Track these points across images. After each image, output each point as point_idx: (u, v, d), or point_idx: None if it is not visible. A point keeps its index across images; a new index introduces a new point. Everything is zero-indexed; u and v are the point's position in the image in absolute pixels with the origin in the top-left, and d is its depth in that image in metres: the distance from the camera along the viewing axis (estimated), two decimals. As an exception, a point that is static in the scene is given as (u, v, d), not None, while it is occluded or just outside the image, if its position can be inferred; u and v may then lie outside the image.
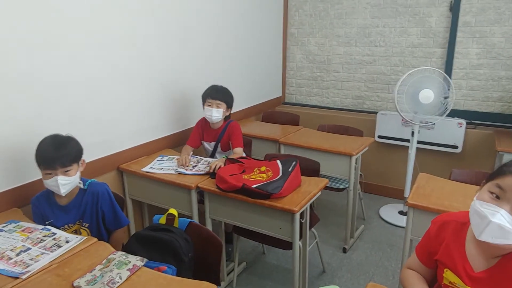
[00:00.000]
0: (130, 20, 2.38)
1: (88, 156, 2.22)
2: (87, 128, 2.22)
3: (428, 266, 1.31)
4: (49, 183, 1.69)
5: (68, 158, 1.69)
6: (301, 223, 2.02)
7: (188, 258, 1.58)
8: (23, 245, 1.55)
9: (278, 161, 2.18)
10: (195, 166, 2.40)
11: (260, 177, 2.10)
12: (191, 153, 2.56)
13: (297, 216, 1.91)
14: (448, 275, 1.23)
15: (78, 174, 1.76)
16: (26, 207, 1.91)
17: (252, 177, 2.11)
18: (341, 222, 3.20)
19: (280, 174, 2.07)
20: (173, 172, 2.32)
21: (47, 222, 1.77)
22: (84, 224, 1.83)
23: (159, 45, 2.61)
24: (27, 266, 1.42)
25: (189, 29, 2.84)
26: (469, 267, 1.17)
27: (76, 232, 1.83)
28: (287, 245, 2.10)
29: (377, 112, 3.66)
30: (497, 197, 1.07)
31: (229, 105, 2.62)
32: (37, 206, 1.81)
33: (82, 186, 1.82)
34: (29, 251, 1.51)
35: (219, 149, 2.67)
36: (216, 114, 2.53)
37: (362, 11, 3.68)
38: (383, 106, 3.78)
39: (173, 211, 1.70)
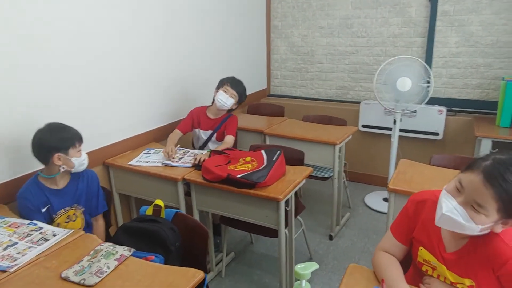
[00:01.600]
0: (116, 13, 2.38)
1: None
2: (71, 123, 2.21)
3: (404, 243, 1.34)
4: (81, 159, 1.86)
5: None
6: (286, 211, 2.06)
7: (175, 247, 1.61)
8: (10, 240, 1.56)
9: (262, 151, 2.21)
10: (181, 158, 2.43)
11: (245, 167, 2.14)
12: (177, 143, 2.57)
13: (282, 204, 1.95)
14: (423, 253, 1.28)
15: None
16: (12, 204, 1.91)
17: (237, 167, 2.15)
18: (327, 210, 3.26)
19: (265, 163, 2.10)
20: (159, 164, 2.34)
21: (43, 210, 1.81)
22: (81, 208, 1.92)
23: (143, 39, 2.62)
24: (15, 260, 1.43)
25: (172, 22, 2.84)
26: (442, 247, 1.23)
27: (69, 217, 1.90)
28: (274, 233, 2.14)
29: (361, 102, 3.71)
30: (458, 190, 1.11)
31: (240, 101, 2.68)
32: (29, 198, 1.80)
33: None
34: (16, 246, 1.52)
35: (213, 138, 2.70)
36: (227, 102, 2.59)
37: (344, 2, 3.72)
38: (367, 96, 3.84)
39: (159, 202, 1.73)
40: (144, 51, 2.64)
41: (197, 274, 1.34)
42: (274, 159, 2.11)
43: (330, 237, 2.95)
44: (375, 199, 3.50)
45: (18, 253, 1.48)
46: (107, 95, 2.43)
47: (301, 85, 4.18)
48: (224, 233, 2.55)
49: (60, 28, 2.09)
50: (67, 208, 1.89)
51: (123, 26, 2.46)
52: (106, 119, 2.44)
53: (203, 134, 2.73)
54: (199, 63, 3.16)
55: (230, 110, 2.71)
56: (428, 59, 3.42)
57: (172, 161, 2.35)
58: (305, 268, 1.13)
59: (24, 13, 1.91)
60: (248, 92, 4.03)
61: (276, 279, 2.53)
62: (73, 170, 1.86)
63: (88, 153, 2.30)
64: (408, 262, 1.41)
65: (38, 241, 1.56)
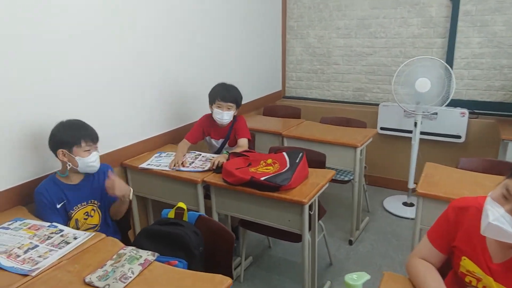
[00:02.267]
0: (130, 17, 2.35)
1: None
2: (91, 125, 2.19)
3: (443, 252, 1.28)
4: (88, 160, 1.80)
5: (97, 135, 1.86)
6: (309, 215, 2.00)
7: (198, 252, 1.56)
8: (30, 243, 1.52)
9: (284, 153, 2.15)
10: (192, 162, 2.36)
11: (267, 169, 2.08)
12: (186, 152, 2.47)
13: (307, 208, 1.89)
14: (466, 263, 1.21)
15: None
16: (31, 205, 1.87)
17: (259, 170, 2.09)
18: (346, 214, 3.19)
19: (288, 166, 2.05)
20: (169, 169, 2.27)
21: (59, 206, 1.79)
22: (97, 203, 1.90)
23: (159, 41, 2.58)
24: (36, 263, 1.39)
25: (187, 24, 2.80)
26: (488, 257, 1.15)
27: (88, 213, 1.87)
28: (296, 238, 2.08)
29: (379, 104, 3.64)
30: (505, 197, 1.05)
31: (239, 106, 2.55)
32: (44, 194, 1.78)
33: None
34: (36, 248, 1.48)
35: (226, 145, 2.64)
36: (226, 117, 2.46)
37: (361, 2, 3.65)
38: (385, 98, 3.76)
39: (181, 204, 1.68)
40: (161, 56, 2.61)
41: (225, 281, 1.28)
42: (297, 161, 2.05)
43: (350, 242, 2.88)
44: (394, 203, 3.42)
45: (39, 256, 1.44)
46: (125, 96, 2.39)
47: (317, 87, 4.11)
48: (243, 237, 2.49)
49: (81, 32, 2.07)
50: (83, 203, 1.87)
51: (142, 30, 2.43)
52: (123, 121, 2.41)
53: (216, 143, 2.66)
54: (214, 64, 3.12)
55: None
56: (449, 60, 3.33)
57: (183, 166, 2.28)
58: (357, 279, 1.06)
59: (47, 18, 1.89)
60: (263, 94, 4.04)
61: (296, 284, 2.46)
62: (79, 170, 1.81)
63: (105, 155, 2.30)
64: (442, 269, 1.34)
65: (59, 244, 1.51)
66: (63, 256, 1.44)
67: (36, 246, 1.50)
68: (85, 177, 1.89)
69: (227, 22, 3.24)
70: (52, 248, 1.49)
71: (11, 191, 1.85)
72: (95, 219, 1.90)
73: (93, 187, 1.89)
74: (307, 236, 1.98)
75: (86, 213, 1.87)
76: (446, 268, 1.34)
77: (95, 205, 1.91)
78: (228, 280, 1.28)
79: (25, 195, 1.90)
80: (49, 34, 1.92)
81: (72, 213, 1.83)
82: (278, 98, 4.25)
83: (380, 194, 3.63)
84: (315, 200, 2.00)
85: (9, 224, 1.67)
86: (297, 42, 4.10)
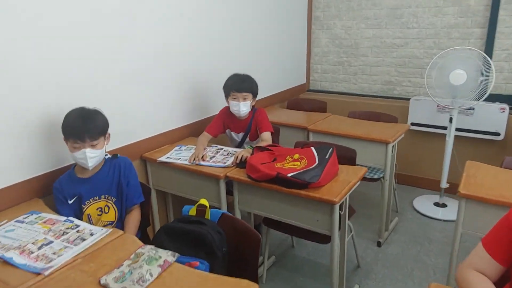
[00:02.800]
0: (155, 9, 2.25)
1: (111, 144, 2.11)
2: (110, 116, 2.09)
3: (502, 263, 1.12)
4: (76, 156, 1.68)
5: (96, 130, 1.68)
6: (339, 215, 1.86)
7: (221, 253, 1.44)
8: (45, 238, 1.44)
9: (312, 148, 2.01)
10: (213, 156, 2.24)
11: (294, 165, 1.95)
12: (206, 146, 2.36)
13: (337, 207, 1.75)
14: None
15: (104, 148, 1.75)
16: (48, 197, 1.80)
17: (285, 165, 1.96)
18: (373, 214, 3.03)
19: (317, 161, 1.91)
20: (189, 163, 2.16)
21: (70, 201, 1.72)
22: (112, 198, 1.80)
23: (180, 33, 2.47)
24: (50, 261, 1.31)
25: (210, 16, 2.68)
26: None
27: (102, 209, 1.78)
28: (324, 239, 1.95)
29: (409, 98, 3.44)
30: None
31: (255, 94, 2.43)
32: (60, 189, 1.74)
33: (109, 156, 1.84)
34: (51, 245, 1.40)
35: (247, 139, 2.52)
36: (243, 108, 2.35)
37: (393, -10, 3.45)
38: (415, 92, 3.56)
39: (204, 201, 1.57)
40: (183, 48, 2.51)
41: (252, 287, 1.16)
42: (327, 157, 1.91)
43: (378, 244, 2.72)
44: (424, 204, 3.23)
45: (54, 253, 1.35)
46: (146, 88, 2.30)
47: (343, 80, 3.94)
48: (266, 236, 2.37)
49: (103, 23, 1.99)
50: (96, 198, 1.78)
51: (164, 21, 2.33)
52: (144, 113, 2.31)
53: (236, 137, 2.54)
54: (236, 56, 2.99)
55: (254, 109, 2.47)
56: (488, 52, 3.11)
57: (203, 161, 2.17)
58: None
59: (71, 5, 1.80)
60: (286, 87, 3.89)
61: (320, 286, 2.33)
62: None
63: (125, 147, 2.21)
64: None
65: (74, 240, 1.43)
66: (78, 254, 1.35)
67: (51, 242, 1.42)
68: (98, 171, 1.79)
69: (251, 13, 3.10)
70: (67, 244, 1.40)
71: (27, 183, 1.78)
72: (111, 215, 1.81)
73: (107, 181, 1.79)
74: (337, 238, 1.84)
75: (99, 209, 1.78)
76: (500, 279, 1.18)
77: (110, 200, 1.81)
78: (255, 286, 1.16)
79: (42, 187, 1.82)
80: (71, 22, 1.83)
81: (84, 208, 1.75)
82: (302, 91, 4.09)
83: (409, 194, 3.45)
84: (346, 199, 1.86)
85: (25, 218, 1.60)
86: (323, 33, 3.93)
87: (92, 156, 1.68)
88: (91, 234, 1.46)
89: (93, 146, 1.68)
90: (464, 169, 1.98)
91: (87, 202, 1.76)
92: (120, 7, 2.06)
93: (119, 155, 1.88)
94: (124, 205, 1.82)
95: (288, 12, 3.60)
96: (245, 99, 2.35)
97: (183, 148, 2.41)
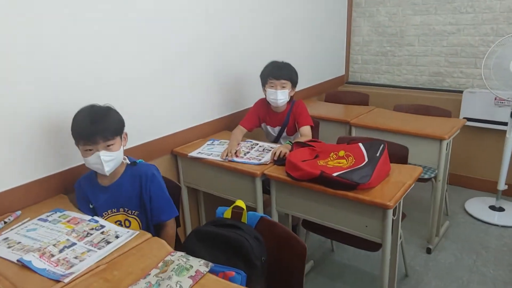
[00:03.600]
0: (185, 4, 2.10)
1: (140, 138, 2.01)
2: (140, 109, 1.97)
3: None
4: (90, 161, 1.46)
5: (110, 130, 1.46)
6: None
7: (260, 262, 1.26)
8: (68, 239, 1.31)
9: (360, 145, 1.80)
10: (248, 152, 2.07)
11: (339, 163, 1.74)
12: (241, 141, 2.20)
13: (390, 212, 1.53)
14: None
15: (121, 149, 1.52)
16: (73, 194, 1.69)
17: (329, 163, 1.76)
18: (422, 217, 2.77)
19: (366, 160, 1.69)
20: (221, 159, 2.00)
21: (91, 206, 1.56)
22: (133, 212, 1.57)
23: (216, 23, 2.31)
24: (71, 266, 1.17)
25: (243, 4, 2.50)
26: None
27: (121, 223, 1.58)
28: (372, 246, 1.73)
29: (462, 91, 3.13)
30: None
31: (295, 83, 2.24)
32: (79, 190, 1.60)
33: (127, 162, 1.60)
34: (73, 247, 1.27)
35: (284, 134, 2.33)
36: (281, 96, 2.17)
37: (445, -29, 3.14)
38: (468, 84, 3.24)
39: (240, 203, 1.39)
40: (218, 38, 2.35)
41: (298, 308, 0.98)
42: (377, 155, 1.68)
43: (428, 250, 2.46)
44: (478, 207, 2.93)
45: (76, 257, 1.22)
46: (177, 80, 2.15)
47: (386, 71, 3.66)
48: (304, 239, 2.17)
49: (134, 14, 1.86)
50: (113, 210, 1.58)
51: (196, 10, 2.18)
52: (175, 105, 2.17)
53: (272, 131, 2.35)
54: (271, 46, 2.79)
55: (291, 97, 2.27)
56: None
57: (236, 157, 2.00)
58: None
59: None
60: (323, 79, 3.66)
61: (364, 298, 2.12)
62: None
63: (155, 141, 2.08)
64: None
65: (98, 243, 1.29)
66: (102, 259, 1.21)
67: (74, 244, 1.29)
68: (118, 179, 1.57)
69: (288, 2, 2.89)
70: (90, 248, 1.27)
71: (52, 178, 1.67)
72: (134, 227, 1.59)
73: (126, 192, 1.56)
74: (388, 246, 1.62)
75: (118, 222, 1.55)
76: None
77: (131, 215, 1.59)
78: (302, 308, 0.98)
79: (68, 183, 1.71)
80: (98, 15, 1.70)
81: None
82: (340, 83, 3.85)
83: (460, 195, 3.15)
84: (400, 203, 1.64)
85: (48, 216, 1.49)
86: (365, 21, 3.66)
87: (108, 160, 1.45)
88: (117, 237, 1.32)
89: (107, 148, 1.45)
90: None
91: (105, 214, 1.57)
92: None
93: (140, 161, 1.64)
94: (150, 219, 1.60)
95: (327, -1, 3.37)
96: (283, 87, 2.16)
97: (216, 142, 2.25)
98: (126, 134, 1.58)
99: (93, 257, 1.22)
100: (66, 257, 1.22)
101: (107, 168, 1.47)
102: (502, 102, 2.87)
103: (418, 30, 3.38)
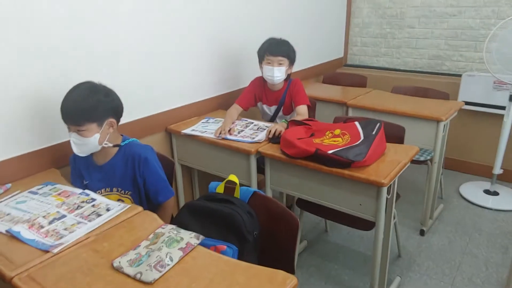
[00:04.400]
0: None
1: (134, 114, 1.97)
2: (134, 83, 1.93)
3: None
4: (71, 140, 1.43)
5: (81, 116, 1.37)
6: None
7: (253, 237, 1.25)
8: (58, 212, 1.29)
9: (356, 123, 1.78)
10: (242, 131, 2.04)
11: (334, 141, 1.72)
12: (236, 119, 2.18)
13: (385, 190, 1.52)
14: None
15: (97, 136, 1.42)
16: (65, 168, 1.67)
17: (324, 141, 1.74)
18: (416, 200, 2.77)
19: (362, 138, 1.67)
20: (214, 137, 1.98)
21: (85, 182, 1.52)
22: (126, 192, 1.54)
23: (214, 0, 2.26)
24: (60, 238, 1.16)
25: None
26: None
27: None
28: (365, 225, 1.73)
29: (460, 75, 3.10)
30: None
31: (292, 61, 2.20)
32: (74, 165, 1.57)
33: (110, 145, 1.50)
34: (63, 219, 1.25)
35: (280, 113, 2.30)
36: (278, 73, 2.13)
37: (448, -49, 3.07)
38: (467, 67, 3.21)
39: (233, 177, 1.38)
40: (214, 14, 2.29)
41: (289, 280, 0.97)
42: (373, 133, 1.67)
43: (422, 232, 2.47)
44: (473, 190, 2.93)
45: (65, 229, 1.21)
46: (172, 55, 2.10)
47: (385, 54, 3.61)
48: (299, 219, 2.16)
49: None
50: (107, 189, 1.54)
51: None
52: (170, 81, 2.13)
53: (268, 110, 2.32)
54: (269, 25, 2.73)
55: (288, 75, 2.24)
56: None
57: (230, 135, 1.99)
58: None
59: None
60: (322, 61, 3.61)
61: (357, 277, 2.13)
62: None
63: (149, 117, 2.05)
64: None
65: (89, 215, 1.27)
66: (92, 231, 1.19)
67: (64, 216, 1.27)
68: (111, 160, 1.53)
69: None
70: (80, 220, 1.25)
71: (44, 152, 1.65)
72: None
73: (119, 172, 1.52)
74: (382, 225, 1.61)
75: None
76: None
77: (124, 194, 1.55)
78: (293, 280, 0.97)
79: (60, 157, 1.69)
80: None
81: None
82: (339, 66, 3.80)
83: (455, 179, 3.15)
84: (394, 181, 1.62)
85: (39, 189, 1.47)
86: (365, 2, 3.59)
87: (78, 143, 1.41)
88: (108, 210, 1.31)
89: (78, 132, 1.39)
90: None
91: (98, 193, 1.51)
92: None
93: (133, 140, 1.57)
94: (144, 200, 1.57)
95: (327, -22, 3.29)
96: (280, 64, 2.12)
97: (211, 120, 2.22)
98: (113, 122, 1.46)
99: (83, 229, 1.20)
100: (56, 229, 1.21)
101: (77, 151, 1.43)
102: (501, 86, 2.85)
103: (418, 11, 3.33)
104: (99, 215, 1.28)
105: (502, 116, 2.70)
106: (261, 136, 1.94)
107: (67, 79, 1.58)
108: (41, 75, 1.57)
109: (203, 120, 2.23)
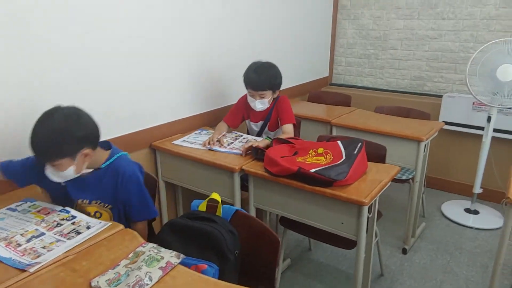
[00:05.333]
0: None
1: (118, 130, 1.97)
2: (118, 99, 1.94)
3: None
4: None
5: (51, 154, 1.29)
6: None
7: (234, 256, 1.25)
8: (36, 229, 1.28)
9: (339, 142, 1.81)
10: (231, 143, 2.09)
11: (317, 160, 1.75)
12: (225, 133, 2.21)
13: (366, 209, 1.54)
14: None
15: (72, 168, 1.33)
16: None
17: (307, 160, 1.76)
18: (398, 218, 2.81)
19: (344, 157, 1.70)
20: (203, 148, 2.03)
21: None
22: (106, 205, 1.51)
23: (201, 19, 2.29)
24: (38, 256, 1.14)
25: (232, 2, 2.49)
26: None
27: (92, 215, 1.47)
28: (347, 244, 1.75)
29: (441, 95, 3.19)
30: None
31: (277, 88, 2.21)
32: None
33: (89, 171, 1.45)
34: (42, 237, 1.24)
35: (266, 129, 2.33)
36: (259, 105, 2.17)
37: (428, -23, 3.20)
38: (448, 88, 3.30)
39: (215, 196, 1.38)
40: (202, 34, 2.33)
41: (268, 300, 0.97)
42: (355, 152, 1.70)
43: (404, 251, 2.49)
44: (454, 209, 2.98)
45: (43, 247, 1.19)
46: (159, 73, 2.12)
47: (369, 74, 3.69)
48: (282, 236, 2.17)
49: (113, 8, 1.82)
50: (85, 202, 1.47)
51: (179, 6, 2.15)
52: (155, 97, 2.13)
53: (255, 126, 2.35)
54: (256, 44, 2.78)
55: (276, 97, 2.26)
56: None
57: (219, 146, 2.03)
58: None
59: None
60: (307, 80, 3.67)
61: (340, 296, 2.13)
62: None
63: (133, 134, 2.05)
64: None
65: (68, 233, 1.26)
66: (71, 249, 1.18)
67: (42, 234, 1.25)
68: (94, 172, 1.47)
69: (275, 1, 2.89)
70: (59, 238, 1.24)
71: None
72: (104, 219, 1.48)
73: (104, 185, 1.46)
74: (363, 244, 1.63)
75: (88, 214, 1.46)
76: None
77: (103, 208, 1.49)
78: (272, 300, 0.97)
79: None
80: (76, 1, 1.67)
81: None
82: (324, 85, 3.87)
83: (436, 198, 3.20)
84: (375, 200, 1.65)
85: (18, 205, 1.44)
86: (350, 23, 3.69)
87: (53, 175, 1.35)
88: (88, 227, 1.30)
89: (53, 166, 1.32)
90: (511, 173, 1.74)
91: (77, 201, 1.47)
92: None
93: (121, 155, 1.51)
94: (122, 216, 1.52)
95: (313, 0, 3.37)
96: (262, 97, 2.15)
97: (204, 132, 2.26)
98: (86, 154, 1.35)
99: (62, 247, 1.19)
100: (34, 247, 1.19)
101: (55, 180, 1.37)
102: (480, 107, 2.94)
103: (401, 34, 3.43)
104: (78, 233, 1.26)
105: (481, 136, 2.77)
106: (238, 146, 2.03)
107: (48, 94, 1.59)
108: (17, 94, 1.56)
109: (196, 132, 2.28)
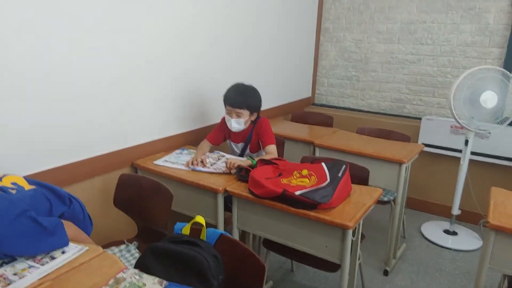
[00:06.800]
0: (153, 14, 2.07)
1: (99, 149, 1.92)
2: (99, 118, 1.89)
3: None
4: None
5: None
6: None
7: (218, 282, 1.22)
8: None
9: (323, 164, 1.81)
10: (214, 163, 2.07)
11: (302, 182, 1.74)
12: (207, 152, 2.21)
13: (350, 233, 1.54)
14: None
15: None
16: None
17: (292, 181, 1.75)
18: (379, 239, 2.82)
19: (328, 180, 1.70)
20: (185, 168, 2.01)
21: None
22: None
23: (184, 39, 2.29)
24: (8, 284, 1.08)
25: (215, 23, 2.50)
26: None
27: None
28: (331, 266, 1.73)
29: (420, 118, 3.27)
30: None
31: (255, 109, 2.20)
32: None
33: None
34: (13, 263, 1.17)
35: (247, 151, 2.31)
36: (235, 124, 2.14)
37: (407, 4, 3.31)
38: (427, 111, 3.39)
39: (200, 219, 1.35)
40: (185, 54, 2.33)
41: (254, 331, 0.94)
42: (339, 175, 1.70)
43: (385, 272, 2.49)
44: (433, 230, 3.02)
45: (15, 274, 1.12)
46: (141, 92, 2.09)
47: (351, 95, 3.76)
48: (265, 258, 2.13)
49: (103, 21, 1.82)
50: None
51: (162, 27, 2.14)
52: (137, 116, 2.10)
53: (236, 148, 2.34)
54: (239, 64, 2.80)
55: (256, 117, 2.25)
56: (506, 73, 2.94)
57: (203, 166, 2.01)
58: None
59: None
60: (290, 100, 3.71)
61: (322, 320, 2.10)
62: None
63: (114, 153, 2.00)
64: None
65: (42, 258, 1.20)
66: (45, 276, 1.12)
67: (14, 260, 1.19)
68: None
69: (257, 21, 2.93)
70: (32, 264, 1.17)
71: None
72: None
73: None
74: (347, 267, 1.61)
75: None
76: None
77: None
78: (258, 331, 0.94)
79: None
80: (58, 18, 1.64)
81: None
82: (307, 105, 3.91)
83: (416, 219, 3.24)
84: (359, 224, 1.65)
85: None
86: (332, 46, 3.77)
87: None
88: (63, 252, 1.24)
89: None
90: (490, 196, 1.78)
91: None
92: (115, 8, 1.87)
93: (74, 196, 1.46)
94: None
95: (296, 22, 3.43)
96: (238, 115, 2.13)
97: (185, 152, 2.22)
98: None
99: (35, 274, 1.12)
100: (4, 274, 1.12)
101: None
102: (458, 131, 3.02)
103: (381, 57, 3.52)
104: (53, 258, 1.20)
105: (459, 159, 2.83)
106: (221, 166, 2.02)
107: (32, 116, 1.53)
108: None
109: (177, 151, 2.24)
